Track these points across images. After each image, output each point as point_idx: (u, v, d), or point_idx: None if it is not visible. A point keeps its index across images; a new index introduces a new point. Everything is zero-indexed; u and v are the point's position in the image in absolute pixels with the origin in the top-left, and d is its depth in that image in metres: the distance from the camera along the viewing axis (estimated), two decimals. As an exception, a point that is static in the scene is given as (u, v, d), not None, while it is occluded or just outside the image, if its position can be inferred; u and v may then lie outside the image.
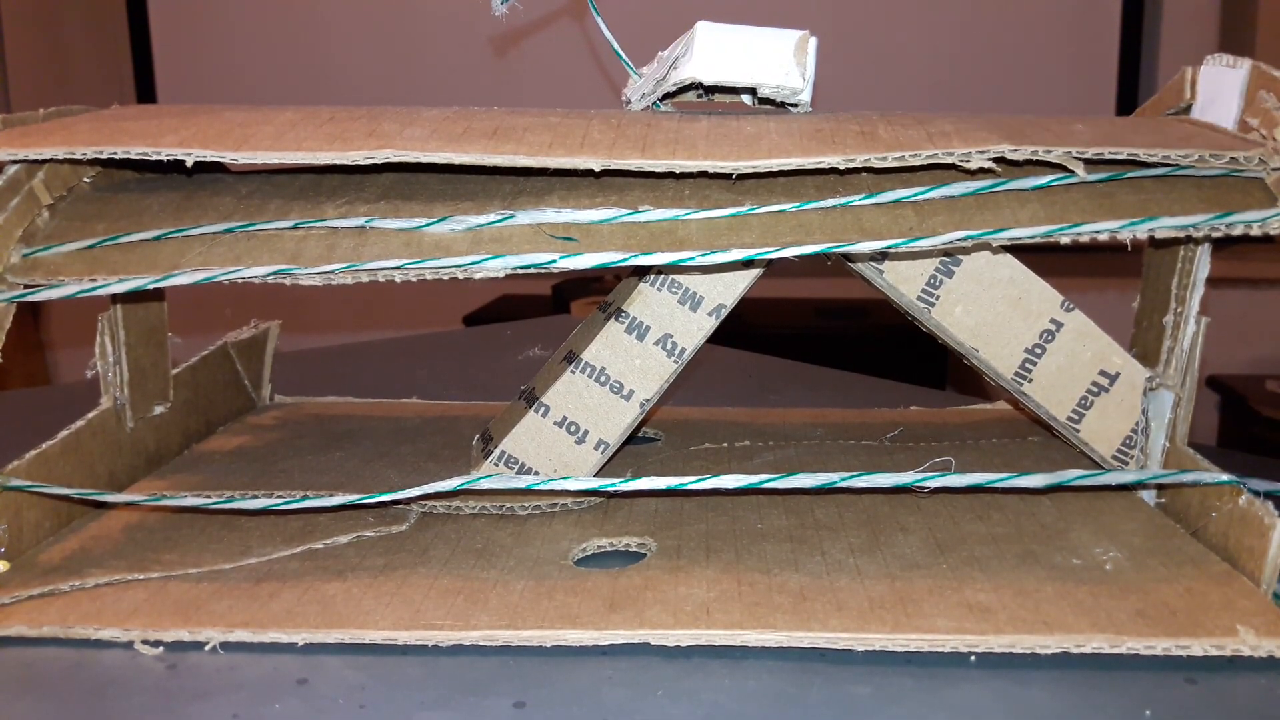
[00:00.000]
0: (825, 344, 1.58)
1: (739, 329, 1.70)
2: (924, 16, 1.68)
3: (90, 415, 0.46)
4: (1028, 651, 0.34)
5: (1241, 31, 1.69)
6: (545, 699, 0.33)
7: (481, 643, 0.35)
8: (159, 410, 0.51)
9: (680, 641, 0.35)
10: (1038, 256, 0.43)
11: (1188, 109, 0.42)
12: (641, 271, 0.46)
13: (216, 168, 0.43)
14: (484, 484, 0.39)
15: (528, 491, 0.43)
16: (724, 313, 0.45)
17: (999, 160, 0.35)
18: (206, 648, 0.36)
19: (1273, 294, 1.71)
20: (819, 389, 0.74)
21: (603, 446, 0.46)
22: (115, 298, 0.47)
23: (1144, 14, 1.67)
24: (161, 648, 0.36)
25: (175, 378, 0.53)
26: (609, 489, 0.40)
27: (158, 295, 0.50)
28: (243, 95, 1.71)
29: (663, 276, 0.45)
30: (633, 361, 0.46)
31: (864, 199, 0.37)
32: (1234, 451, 0.53)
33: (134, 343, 0.48)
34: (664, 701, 0.32)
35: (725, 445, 0.54)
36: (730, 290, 0.45)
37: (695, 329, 0.45)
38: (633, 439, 0.56)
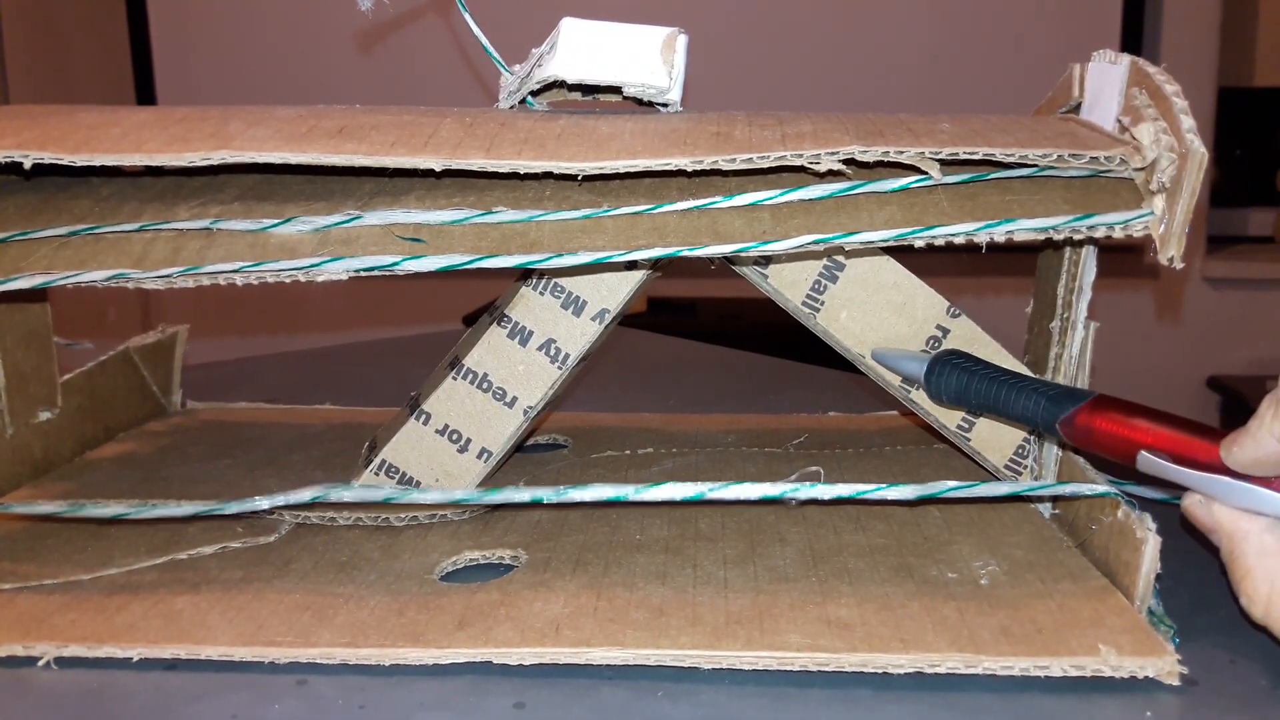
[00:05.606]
0: (825, 344, 1.55)
1: (739, 329, 1.67)
2: (923, 17, 1.66)
3: (-39, 422, 0.45)
4: (879, 671, 0.33)
5: (1241, 31, 1.66)
6: (545, 699, 0.32)
7: (319, 660, 0.34)
8: (45, 416, 0.50)
9: (523, 660, 0.34)
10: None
11: (1077, 108, 0.41)
12: (527, 275, 0.44)
13: (92, 171, 0.42)
14: (337, 495, 0.38)
15: (386, 504, 0.42)
16: (608, 318, 0.44)
17: (851, 162, 0.34)
18: (40, 664, 0.34)
19: (1273, 294, 1.69)
20: (819, 389, 0.73)
21: (486, 455, 0.45)
22: (-12, 301, 0.46)
23: (1144, 14, 1.64)
24: (-9, 664, 0.35)
25: (68, 383, 0.52)
26: (469, 501, 0.39)
27: (40, 297, 0.49)
28: (243, 94, 1.70)
29: (545, 280, 0.44)
30: (515, 368, 0.44)
31: (722, 201, 0.35)
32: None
33: (11, 347, 0.47)
34: (664, 701, 0.32)
35: (627, 453, 0.53)
36: (613, 294, 0.44)
37: (579, 334, 0.44)
38: (539, 446, 0.55)
